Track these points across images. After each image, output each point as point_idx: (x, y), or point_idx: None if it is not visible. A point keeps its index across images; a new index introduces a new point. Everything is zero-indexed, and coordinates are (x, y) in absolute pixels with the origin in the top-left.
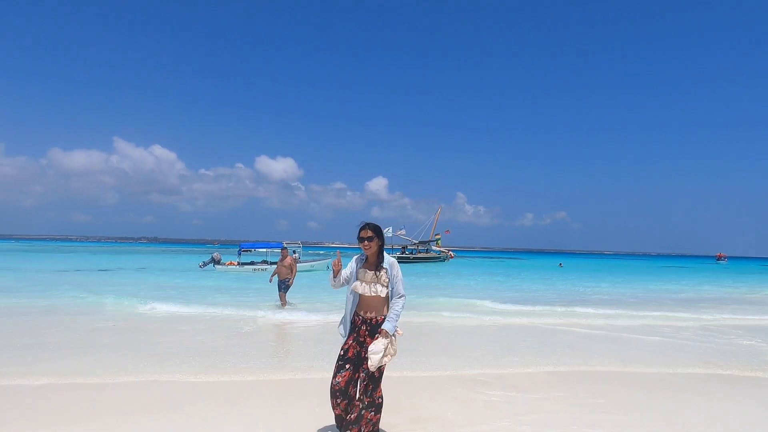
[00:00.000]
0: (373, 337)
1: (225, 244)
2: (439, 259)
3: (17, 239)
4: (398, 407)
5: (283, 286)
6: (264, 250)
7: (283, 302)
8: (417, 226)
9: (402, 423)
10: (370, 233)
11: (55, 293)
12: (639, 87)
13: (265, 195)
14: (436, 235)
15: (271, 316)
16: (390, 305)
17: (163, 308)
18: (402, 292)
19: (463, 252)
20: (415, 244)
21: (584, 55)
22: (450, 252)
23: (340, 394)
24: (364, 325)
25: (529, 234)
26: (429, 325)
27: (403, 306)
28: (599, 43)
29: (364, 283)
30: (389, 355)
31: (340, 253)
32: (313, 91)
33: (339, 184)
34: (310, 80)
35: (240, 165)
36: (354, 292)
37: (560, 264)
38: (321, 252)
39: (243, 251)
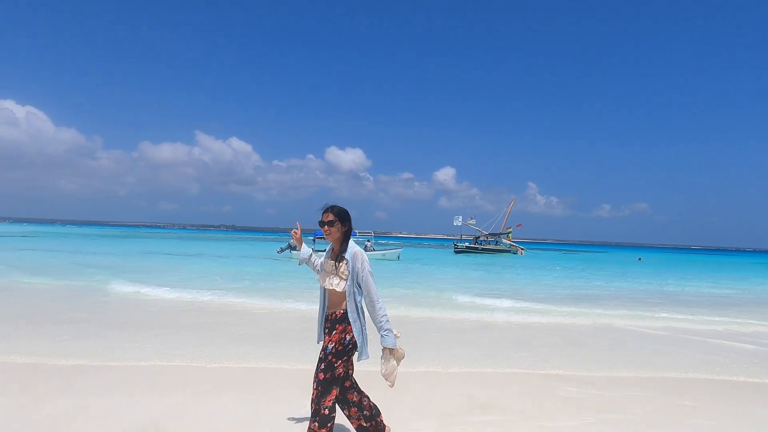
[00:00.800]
0: (331, 335)
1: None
2: (508, 252)
3: (112, 225)
4: (470, 400)
5: None
6: None
7: None
8: (486, 217)
9: (474, 414)
10: (330, 217)
11: (137, 276)
12: (731, 79)
13: (334, 185)
14: (507, 228)
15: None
16: (371, 314)
17: (239, 297)
18: (375, 293)
19: (534, 244)
20: (485, 235)
21: (678, 48)
22: (521, 248)
23: (343, 404)
24: (326, 322)
25: (606, 226)
26: (490, 322)
27: (385, 309)
28: (690, 37)
29: (325, 275)
30: (399, 361)
31: (300, 225)
32: (381, 83)
33: (406, 174)
34: (377, 73)
35: (311, 156)
36: (321, 287)
37: (639, 258)
38: (390, 242)
39: (317, 238)
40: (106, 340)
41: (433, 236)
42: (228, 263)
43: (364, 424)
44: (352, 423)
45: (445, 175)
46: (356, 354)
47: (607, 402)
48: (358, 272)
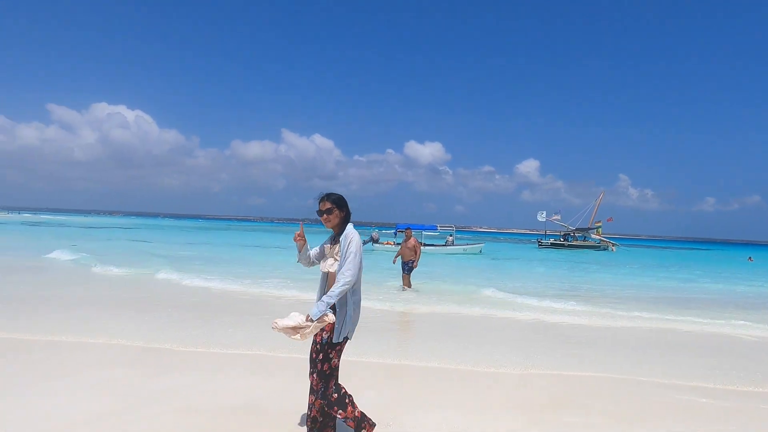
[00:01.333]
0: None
1: (379, 226)
2: (597, 248)
3: (208, 219)
4: (560, 401)
5: (407, 268)
6: (424, 232)
7: (405, 284)
8: (572, 211)
9: (565, 414)
10: (328, 205)
11: (227, 268)
12: None
13: (413, 179)
14: (596, 222)
15: (394, 302)
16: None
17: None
18: (347, 273)
19: (626, 240)
20: (572, 230)
21: None
22: (612, 244)
23: (310, 391)
24: None
25: (710, 221)
26: (575, 323)
27: (341, 290)
28: None
29: (324, 259)
30: (298, 336)
31: (303, 224)
32: (460, 76)
33: (487, 168)
34: (456, 66)
35: (390, 151)
36: (322, 272)
37: (750, 258)
38: (469, 236)
39: (399, 231)
40: (203, 330)
41: (515, 231)
42: None
43: (319, 418)
44: (309, 410)
45: (528, 167)
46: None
47: (718, 412)
48: (344, 251)
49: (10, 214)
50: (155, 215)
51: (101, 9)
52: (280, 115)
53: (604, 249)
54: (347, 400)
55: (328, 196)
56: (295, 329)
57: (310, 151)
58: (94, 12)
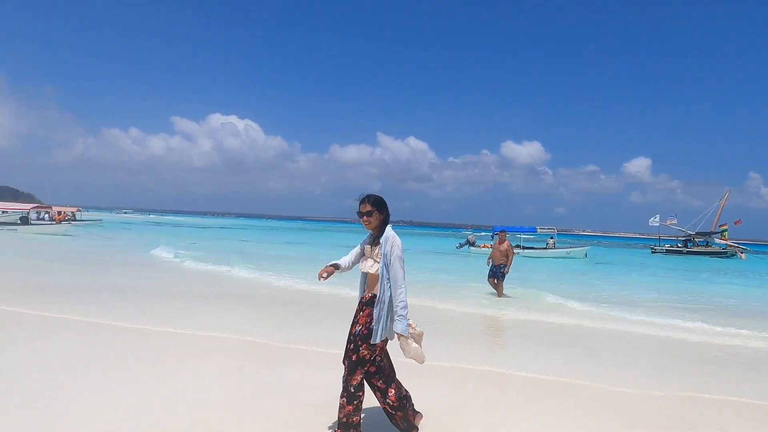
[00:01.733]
0: (358, 318)
1: (475, 229)
2: (723, 254)
3: (309, 220)
4: (686, 423)
5: (499, 273)
6: (520, 235)
7: (499, 291)
8: (690, 214)
9: None
10: (368, 207)
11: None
12: None
13: (509, 180)
14: (721, 225)
15: (485, 306)
16: (392, 298)
17: (425, 298)
18: (399, 279)
19: (758, 246)
20: (690, 235)
21: None
22: (741, 250)
23: (371, 388)
24: (359, 305)
25: None
26: (696, 341)
27: (405, 296)
28: None
29: (363, 260)
30: (419, 341)
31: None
32: (559, 74)
33: (591, 167)
34: (555, 65)
35: (486, 152)
36: (362, 272)
37: None
38: (570, 240)
39: (495, 234)
40: (296, 327)
41: (622, 235)
42: (414, 258)
43: (390, 411)
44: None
45: (638, 166)
46: (372, 335)
47: None
48: (387, 254)
49: (142, 215)
50: (261, 217)
51: (213, 27)
52: (376, 119)
53: (732, 256)
54: (356, 402)
55: (368, 198)
56: (418, 342)
57: (404, 153)
58: (208, 30)
